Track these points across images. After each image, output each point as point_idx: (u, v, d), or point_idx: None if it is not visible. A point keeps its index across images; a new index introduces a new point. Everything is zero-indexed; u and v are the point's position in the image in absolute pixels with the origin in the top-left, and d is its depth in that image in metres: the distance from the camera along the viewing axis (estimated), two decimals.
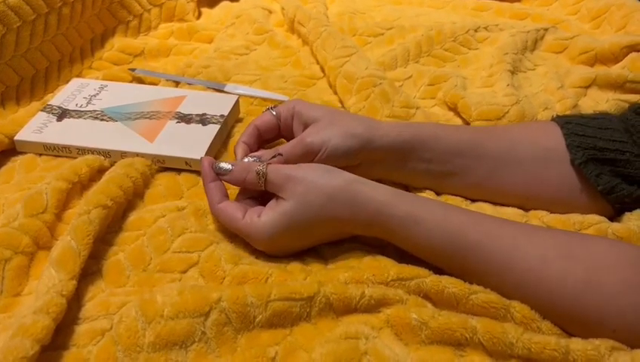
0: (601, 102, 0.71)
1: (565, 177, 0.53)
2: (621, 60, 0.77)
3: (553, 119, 0.56)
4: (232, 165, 0.51)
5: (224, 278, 0.46)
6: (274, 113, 0.57)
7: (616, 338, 0.40)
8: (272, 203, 0.49)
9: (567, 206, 0.53)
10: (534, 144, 0.54)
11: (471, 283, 0.44)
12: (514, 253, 0.44)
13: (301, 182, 0.47)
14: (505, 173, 0.54)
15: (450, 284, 0.44)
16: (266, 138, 0.58)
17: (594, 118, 0.55)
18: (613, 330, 0.40)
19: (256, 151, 0.56)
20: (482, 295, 0.43)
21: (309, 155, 0.52)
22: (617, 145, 0.51)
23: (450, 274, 0.46)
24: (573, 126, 0.53)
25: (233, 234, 0.52)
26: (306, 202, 0.47)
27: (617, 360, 0.38)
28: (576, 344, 0.39)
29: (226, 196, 0.51)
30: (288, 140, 0.57)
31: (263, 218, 0.47)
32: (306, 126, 0.55)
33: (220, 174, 0.51)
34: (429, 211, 0.46)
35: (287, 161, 0.53)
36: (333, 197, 0.47)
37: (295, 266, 0.49)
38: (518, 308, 0.42)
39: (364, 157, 0.53)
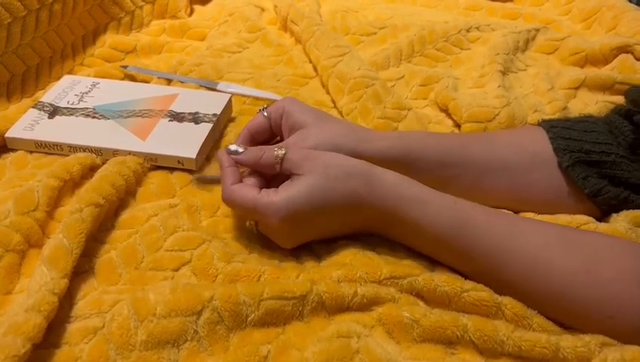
0: (591, 103, 0.71)
1: (552, 180, 0.53)
2: (611, 61, 0.78)
3: (539, 123, 0.57)
4: (245, 148, 0.51)
5: (217, 276, 0.46)
6: (265, 114, 0.56)
7: (613, 325, 0.41)
8: (287, 182, 0.48)
9: (554, 208, 0.54)
10: (520, 148, 0.55)
11: (470, 271, 0.46)
12: (516, 240, 0.45)
13: (320, 158, 0.48)
14: (491, 178, 0.55)
15: (442, 283, 0.44)
16: (259, 140, 0.57)
17: (579, 121, 0.56)
18: (610, 316, 0.41)
19: None
20: (474, 293, 0.44)
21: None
22: (603, 147, 0.52)
23: (450, 265, 0.47)
24: (559, 130, 0.54)
25: (226, 231, 0.52)
26: (326, 175, 0.47)
27: (607, 357, 0.38)
28: (567, 341, 0.40)
29: (241, 181, 0.50)
30: (282, 139, 0.57)
31: (281, 194, 0.47)
32: (292, 128, 0.55)
33: (232, 154, 0.51)
34: (437, 195, 0.48)
35: (267, 166, 0.53)
36: (351, 173, 0.48)
37: (288, 263, 0.49)
38: (509, 305, 0.43)
39: None
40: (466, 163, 0.55)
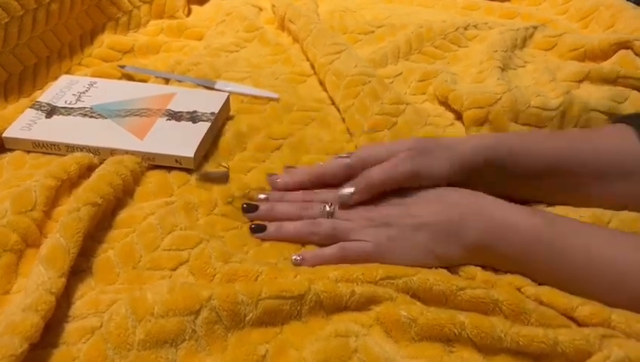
0: (595, 93, 0.70)
1: None
2: (610, 57, 0.77)
3: (626, 121, 0.54)
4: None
5: (214, 276, 0.46)
6: (348, 162, 0.54)
7: None
8: None
9: None
10: (617, 154, 0.52)
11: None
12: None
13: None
14: (593, 189, 0.52)
15: (438, 281, 0.44)
16: (330, 184, 0.56)
17: None
18: None
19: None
20: (470, 291, 0.44)
21: (410, 182, 0.52)
22: None
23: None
24: None
25: (223, 230, 0.52)
26: None
27: (611, 354, 0.38)
28: (565, 335, 0.40)
29: None
30: None
31: None
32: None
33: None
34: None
35: (384, 186, 0.52)
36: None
37: (285, 264, 0.49)
38: (506, 301, 0.43)
39: (458, 177, 0.52)
40: (564, 173, 0.52)
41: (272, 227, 0.52)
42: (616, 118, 0.55)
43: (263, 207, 0.54)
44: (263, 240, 0.52)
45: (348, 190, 0.52)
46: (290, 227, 0.52)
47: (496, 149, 0.53)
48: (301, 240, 0.51)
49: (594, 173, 0.52)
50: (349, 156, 0.55)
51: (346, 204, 0.52)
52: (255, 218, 0.54)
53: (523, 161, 0.53)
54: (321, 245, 0.51)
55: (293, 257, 0.49)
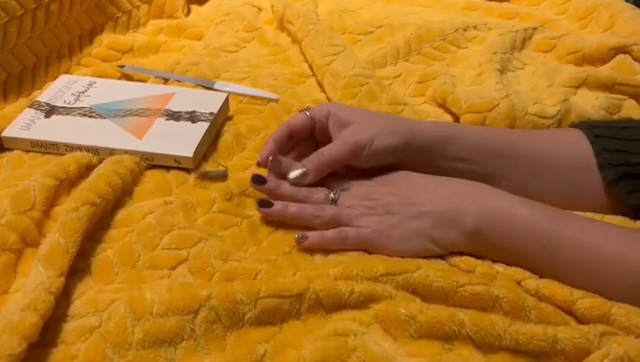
0: (591, 99, 0.71)
1: (596, 185, 0.53)
2: (609, 61, 0.77)
3: (582, 128, 0.56)
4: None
5: (213, 275, 0.46)
6: (308, 114, 0.57)
7: None
8: None
9: (598, 208, 0.54)
10: (571, 148, 0.55)
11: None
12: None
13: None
14: (545, 176, 0.54)
15: (437, 278, 0.44)
16: (297, 138, 0.58)
17: (623, 127, 0.55)
18: None
19: (285, 151, 0.58)
20: (469, 287, 0.44)
21: (354, 155, 0.53)
22: None
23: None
24: (603, 140, 0.54)
25: (222, 229, 0.52)
26: None
27: (610, 352, 0.38)
28: (564, 333, 0.40)
29: None
30: (320, 142, 0.57)
31: None
32: (342, 126, 0.55)
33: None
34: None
35: (331, 163, 0.54)
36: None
37: (285, 259, 0.49)
38: (505, 298, 0.43)
39: (405, 154, 0.54)
40: (516, 156, 0.55)
41: (278, 205, 0.53)
42: (571, 124, 0.60)
43: (271, 182, 0.55)
44: (267, 216, 0.53)
45: (298, 171, 0.54)
46: (295, 207, 0.53)
47: (448, 125, 0.56)
48: (304, 222, 0.52)
49: (548, 163, 0.55)
50: (310, 110, 0.58)
51: (300, 183, 0.54)
52: (262, 191, 0.55)
53: (478, 137, 0.55)
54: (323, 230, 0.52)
55: (297, 236, 0.50)
